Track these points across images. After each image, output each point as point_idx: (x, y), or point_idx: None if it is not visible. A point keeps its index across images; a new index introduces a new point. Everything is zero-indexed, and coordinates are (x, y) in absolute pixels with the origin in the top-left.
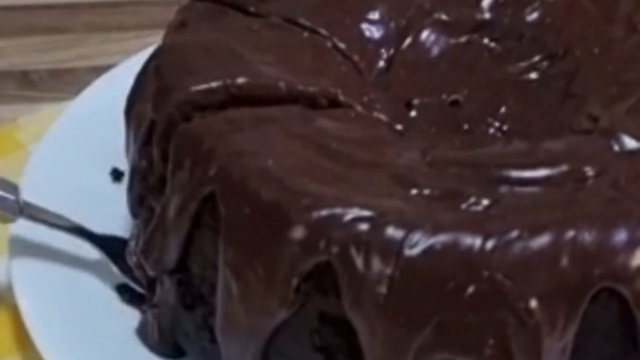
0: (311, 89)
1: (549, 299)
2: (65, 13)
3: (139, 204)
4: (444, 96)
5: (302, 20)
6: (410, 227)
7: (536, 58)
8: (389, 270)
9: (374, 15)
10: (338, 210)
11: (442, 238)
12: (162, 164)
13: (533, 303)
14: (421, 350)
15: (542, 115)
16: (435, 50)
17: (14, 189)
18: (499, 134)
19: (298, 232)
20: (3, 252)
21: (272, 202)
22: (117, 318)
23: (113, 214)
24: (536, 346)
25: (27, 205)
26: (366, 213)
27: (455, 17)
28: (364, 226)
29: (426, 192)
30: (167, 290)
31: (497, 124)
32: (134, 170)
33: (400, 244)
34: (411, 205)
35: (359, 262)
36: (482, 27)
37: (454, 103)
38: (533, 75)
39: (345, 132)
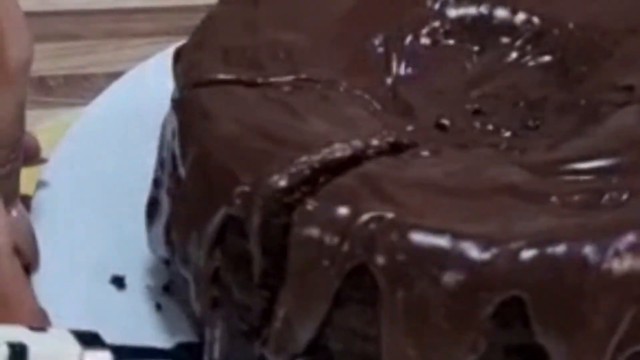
0: (374, 141)
1: None
2: (81, 20)
3: (211, 307)
4: (467, 107)
5: (313, 75)
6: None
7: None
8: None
9: (374, 46)
10: (517, 246)
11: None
12: (264, 258)
13: None
14: (619, 345)
15: (565, 101)
16: (433, 66)
17: None
18: (537, 132)
19: (479, 277)
20: None
21: (444, 258)
22: (126, 295)
23: (130, 218)
24: None
25: None
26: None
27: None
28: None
29: (566, 199)
30: None
31: (530, 122)
32: (200, 276)
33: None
34: (576, 217)
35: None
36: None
37: (477, 112)
38: (533, 63)
39: (443, 167)
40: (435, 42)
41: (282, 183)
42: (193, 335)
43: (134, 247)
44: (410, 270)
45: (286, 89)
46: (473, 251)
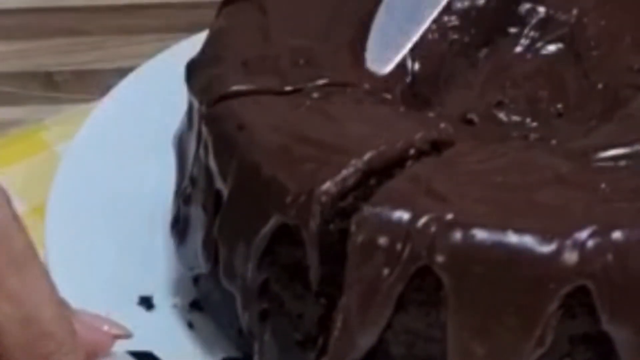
0: (417, 140)
1: None
2: (88, 16)
3: (260, 320)
4: (488, 100)
5: (336, 79)
6: None
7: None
8: None
9: None
10: (581, 236)
11: None
12: (321, 266)
13: None
14: None
15: (583, 87)
16: (445, 61)
17: None
18: (562, 119)
19: (552, 268)
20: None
21: (508, 254)
22: (156, 315)
23: (141, 214)
24: None
25: None
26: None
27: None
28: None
29: (614, 185)
30: None
31: (552, 110)
32: (248, 289)
33: None
34: (631, 202)
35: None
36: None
37: (499, 104)
38: (545, 51)
39: (488, 163)
40: (444, 37)
41: (335, 189)
42: (231, 351)
43: (156, 266)
44: (475, 269)
45: (316, 95)
46: (537, 245)
